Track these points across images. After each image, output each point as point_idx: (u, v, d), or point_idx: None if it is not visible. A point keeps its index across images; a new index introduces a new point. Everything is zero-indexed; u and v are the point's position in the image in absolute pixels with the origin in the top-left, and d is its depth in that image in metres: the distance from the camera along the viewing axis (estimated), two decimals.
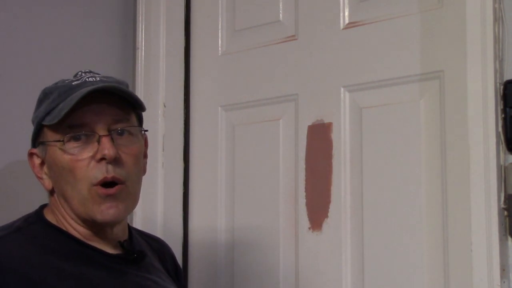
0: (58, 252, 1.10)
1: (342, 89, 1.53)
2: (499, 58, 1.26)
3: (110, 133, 1.10)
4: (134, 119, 1.15)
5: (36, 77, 1.56)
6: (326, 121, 1.54)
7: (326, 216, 1.52)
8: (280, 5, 1.65)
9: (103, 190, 1.09)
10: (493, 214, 1.23)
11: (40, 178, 1.15)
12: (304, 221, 1.56)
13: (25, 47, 1.62)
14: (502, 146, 1.25)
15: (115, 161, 1.09)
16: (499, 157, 1.25)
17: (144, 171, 1.18)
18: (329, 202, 1.52)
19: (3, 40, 1.57)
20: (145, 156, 1.19)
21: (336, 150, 1.52)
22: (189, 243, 1.78)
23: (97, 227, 1.14)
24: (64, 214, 1.14)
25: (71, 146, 1.09)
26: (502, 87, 1.25)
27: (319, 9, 1.58)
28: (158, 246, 1.33)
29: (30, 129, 1.18)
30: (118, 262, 1.16)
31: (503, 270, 1.23)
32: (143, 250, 1.23)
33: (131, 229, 1.25)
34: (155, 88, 1.80)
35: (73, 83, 1.12)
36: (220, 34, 1.77)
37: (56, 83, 1.15)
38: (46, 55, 1.66)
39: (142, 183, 1.18)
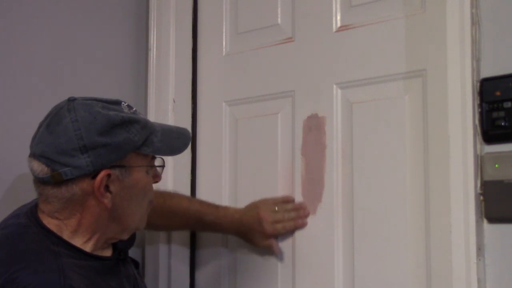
0: (89, 268, 1.15)
1: (334, 86, 1.55)
2: (476, 58, 1.30)
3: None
4: None
5: (53, 79, 1.62)
6: (320, 115, 1.57)
7: (320, 201, 1.54)
8: (279, 10, 1.67)
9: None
10: (470, 199, 1.26)
11: (101, 197, 1.14)
12: None
13: (41, 49, 1.60)
14: (479, 138, 1.29)
15: None
16: (475, 147, 1.28)
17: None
18: (322, 188, 1.54)
19: (16, 41, 1.55)
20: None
21: (329, 141, 1.54)
22: None
23: (111, 240, 1.23)
24: (101, 231, 1.18)
25: (152, 171, 1.25)
26: (478, 84, 1.29)
27: (314, 13, 1.60)
28: None
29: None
30: (118, 264, 1.24)
31: (479, 249, 1.26)
32: (123, 247, 1.28)
33: None
34: (166, 85, 1.84)
35: (157, 127, 1.24)
36: (224, 36, 1.79)
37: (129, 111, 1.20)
38: (66, 57, 1.67)
39: None
